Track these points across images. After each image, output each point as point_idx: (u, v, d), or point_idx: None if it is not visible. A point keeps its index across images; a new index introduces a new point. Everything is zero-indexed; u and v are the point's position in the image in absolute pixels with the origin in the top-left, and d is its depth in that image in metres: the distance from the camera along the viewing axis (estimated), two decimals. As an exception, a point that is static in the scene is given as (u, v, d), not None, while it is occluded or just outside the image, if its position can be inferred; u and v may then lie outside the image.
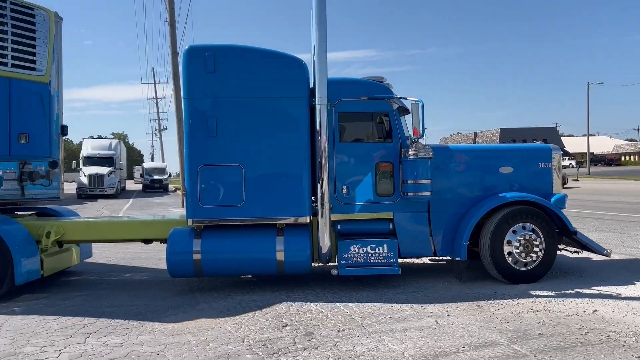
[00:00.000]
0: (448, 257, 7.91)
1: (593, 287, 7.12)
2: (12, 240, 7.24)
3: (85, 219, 8.90)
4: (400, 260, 7.74)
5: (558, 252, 7.79)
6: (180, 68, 7.65)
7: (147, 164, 57.37)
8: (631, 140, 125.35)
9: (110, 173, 35.57)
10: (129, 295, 7.45)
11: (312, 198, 7.59)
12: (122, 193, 41.14)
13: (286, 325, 5.81)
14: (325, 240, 7.32)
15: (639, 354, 4.71)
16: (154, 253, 10.58)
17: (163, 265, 7.68)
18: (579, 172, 51.04)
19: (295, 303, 6.72)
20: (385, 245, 7.37)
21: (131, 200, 33.12)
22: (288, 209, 7.44)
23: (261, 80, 7.50)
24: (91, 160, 36.39)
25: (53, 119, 8.34)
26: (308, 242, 7.38)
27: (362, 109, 7.83)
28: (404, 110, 8.06)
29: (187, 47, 7.62)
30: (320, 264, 7.69)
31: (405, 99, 7.87)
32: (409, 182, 7.45)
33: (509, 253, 7.39)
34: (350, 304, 6.61)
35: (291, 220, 7.44)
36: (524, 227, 7.43)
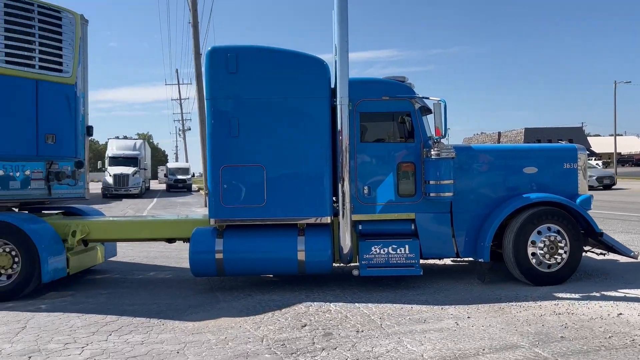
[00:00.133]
0: (470, 258, 7.82)
1: (618, 290, 6.99)
2: (39, 238, 7.38)
3: (110, 218, 9.05)
4: (421, 261, 7.70)
5: (583, 254, 7.66)
6: (203, 69, 7.71)
7: (170, 164, 58.01)
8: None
9: (134, 173, 36.05)
10: (151, 294, 7.55)
11: (333, 198, 7.59)
12: (146, 193, 41.64)
13: (305, 325, 5.82)
14: (346, 241, 7.32)
15: (665, 359, 4.60)
16: (176, 252, 10.69)
17: (185, 264, 7.77)
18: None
19: (315, 303, 6.73)
20: (407, 246, 7.34)
21: (155, 199, 33.52)
22: (309, 209, 7.45)
23: (282, 81, 7.52)
24: (116, 161, 36.93)
25: (79, 120, 8.49)
26: (329, 242, 7.38)
27: (383, 109, 7.79)
28: (426, 110, 8.01)
29: (209, 48, 7.67)
30: (341, 265, 7.68)
31: (428, 98, 7.82)
32: (431, 182, 7.40)
33: (533, 254, 7.30)
34: (369, 305, 6.59)
35: (312, 220, 7.44)
36: (549, 229, 7.33)
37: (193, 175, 57.65)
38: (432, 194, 7.40)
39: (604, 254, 8.20)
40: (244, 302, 6.92)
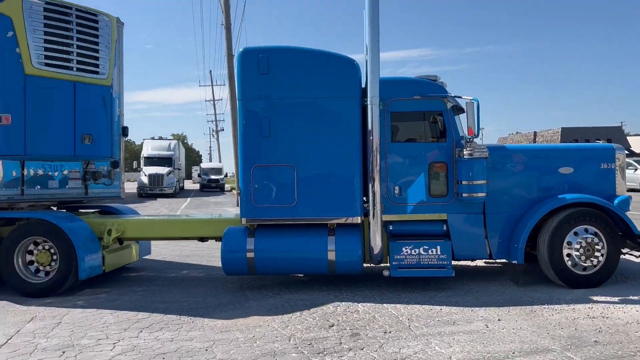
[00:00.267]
0: (503, 260, 7.69)
1: (658, 295, 6.77)
2: (76, 237, 7.58)
3: (145, 217, 9.22)
4: (452, 263, 7.61)
5: (621, 257, 7.45)
6: (235, 70, 7.79)
7: (204, 164, 58.72)
8: None
9: (169, 173, 36.59)
10: (182, 292, 7.66)
11: (364, 198, 7.57)
12: (180, 192, 42.23)
13: (333, 325, 5.82)
14: (376, 241, 7.29)
15: None
16: (208, 251, 10.82)
17: (216, 262, 7.85)
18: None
19: (343, 303, 6.73)
20: (438, 247, 7.26)
21: (189, 199, 33.97)
22: (339, 209, 7.44)
23: (314, 81, 7.54)
24: (151, 161, 37.54)
25: (115, 121, 8.67)
26: (359, 242, 7.36)
27: (415, 109, 7.73)
28: (458, 109, 7.91)
29: (241, 50, 7.76)
30: (372, 265, 7.66)
31: (460, 97, 7.73)
32: (464, 182, 7.31)
33: (568, 255, 7.14)
34: (398, 306, 6.55)
35: (342, 220, 7.44)
36: (586, 230, 7.16)
37: (226, 175, 58.14)
38: (464, 195, 7.31)
39: (643, 257, 7.96)
40: (272, 301, 6.97)
